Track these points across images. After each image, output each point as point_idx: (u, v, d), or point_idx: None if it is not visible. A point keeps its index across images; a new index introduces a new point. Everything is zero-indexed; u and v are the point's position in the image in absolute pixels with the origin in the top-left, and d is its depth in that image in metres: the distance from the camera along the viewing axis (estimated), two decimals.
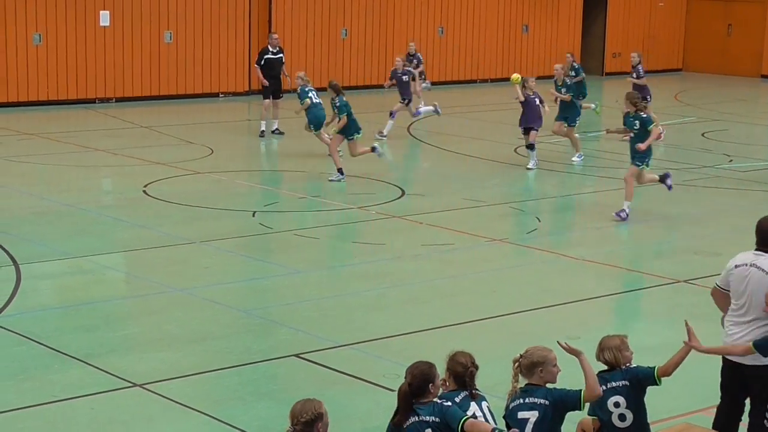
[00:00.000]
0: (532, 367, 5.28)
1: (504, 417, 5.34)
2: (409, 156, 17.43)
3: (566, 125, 15.46)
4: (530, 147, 14.82)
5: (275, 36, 18.39)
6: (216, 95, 21.71)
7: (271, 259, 11.00)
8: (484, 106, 22.13)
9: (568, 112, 15.54)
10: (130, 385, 7.38)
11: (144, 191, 13.29)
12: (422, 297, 9.70)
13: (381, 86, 19.98)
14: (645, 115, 11.94)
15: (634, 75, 17.56)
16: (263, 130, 17.39)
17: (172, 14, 21.35)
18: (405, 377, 5.12)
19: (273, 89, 17.59)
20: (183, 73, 21.35)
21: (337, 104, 13.77)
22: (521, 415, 5.24)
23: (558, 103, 15.77)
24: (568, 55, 18.52)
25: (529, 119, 14.72)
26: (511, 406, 5.31)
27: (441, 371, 5.31)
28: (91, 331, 8.57)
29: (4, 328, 8.41)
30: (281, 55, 17.93)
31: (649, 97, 16.04)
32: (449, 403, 5.10)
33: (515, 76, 14.81)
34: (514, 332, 8.56)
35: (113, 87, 20.80)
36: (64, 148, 16.57)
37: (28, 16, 19.83)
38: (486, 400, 5.31)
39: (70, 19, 20.16)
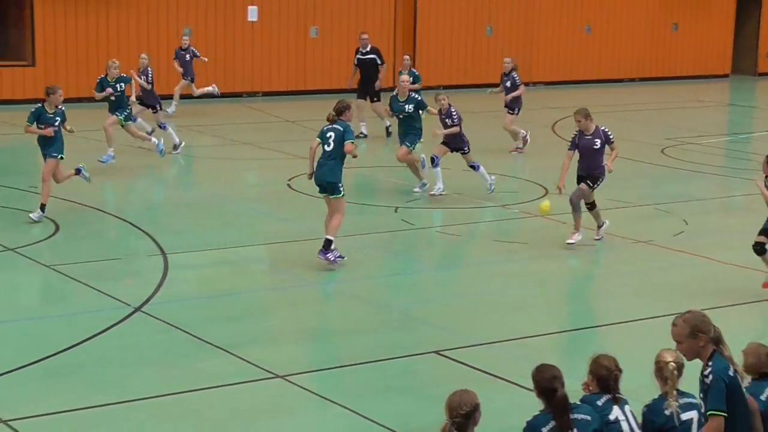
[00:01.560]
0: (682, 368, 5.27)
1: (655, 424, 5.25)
2: (554, 155, 17.11)
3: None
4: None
5: (364, 36, 17.92)
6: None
7: (413, 256, 11.04)
8: (630, 105, 21.55)
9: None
10: (272, 375, 7.50)
11: (288, 185, 13.57)
12: (564, 297, 9.50)
13: (527, 84, 19.17)
14: None
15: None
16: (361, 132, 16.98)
17: (318, 10, 21.89)
18: (547, 381, 5.04)
19: (364, 90, 17.43)
20: (328, 69, 21.86)
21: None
22: (685, 416, 5.23)
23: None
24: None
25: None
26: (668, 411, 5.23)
27: (582, 373, 5.23)
28: (234, 322, 8.78)
29: (151, 316, 8.73)
30: (373, 56, 17.55)
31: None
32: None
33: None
34: (659, 336, 8.26)
35: (260, 81, 21.55)
36: (211, 141, 17.24)
37: (180, 10, 20.76)
38: (628, 404, 5.28)
39: (219, 14, 20.99)
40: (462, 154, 12.97)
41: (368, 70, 17.45)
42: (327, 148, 9.97)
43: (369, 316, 8.99)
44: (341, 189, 9.86)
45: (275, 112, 19.56)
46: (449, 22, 23.34)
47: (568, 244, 10.68)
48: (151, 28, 20.63)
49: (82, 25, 20.38)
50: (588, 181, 10.61)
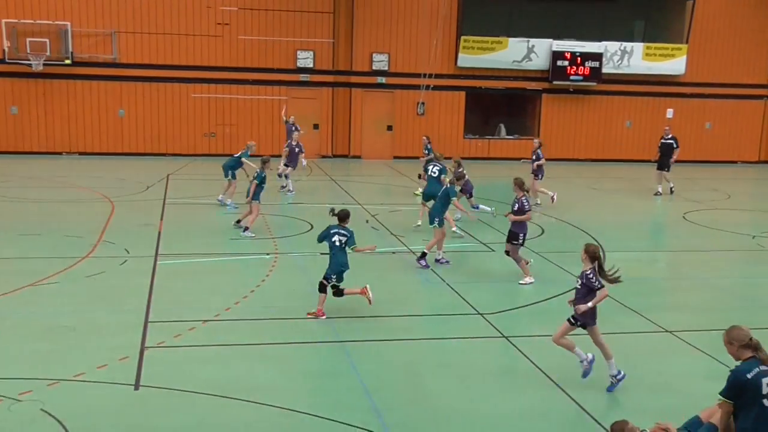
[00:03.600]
0: None
1: None
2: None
3: None
4: None
5: (667, 128, 26.55)
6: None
7: None
8: None
9: None
10: (662, 330, 14.16)
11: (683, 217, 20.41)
12: None
13: None
14: None
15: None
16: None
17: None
18: None
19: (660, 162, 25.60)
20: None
21: None
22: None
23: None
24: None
25: None
26: None
27: None
28: (643, 296, 15.50)
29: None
30: (670, 140, 25.56)
31: None
32: None
33: None
34: None
35: None
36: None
37: None
38: None
39: None
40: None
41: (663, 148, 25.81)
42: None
43: None
44: None
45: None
46: None
47: None
48: None
49: (570, 113, 30.70)
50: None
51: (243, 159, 20.76)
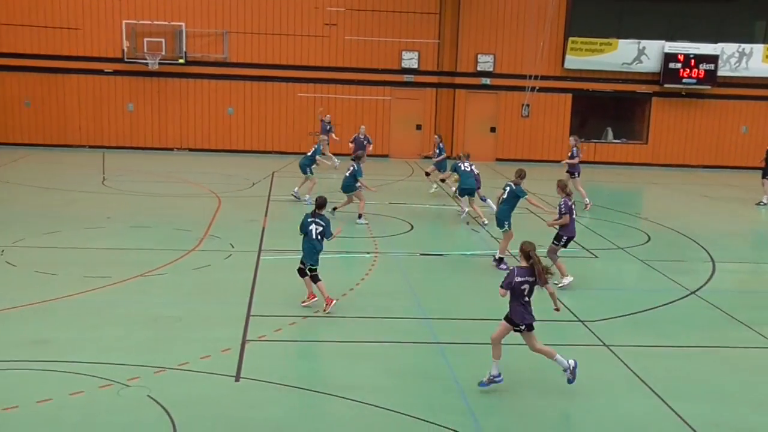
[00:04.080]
0: None
1: None
2: None
3: None
4: None
5: None
6: None
7: None
8: None
9: None
10: None
11: None
12: None
13: None
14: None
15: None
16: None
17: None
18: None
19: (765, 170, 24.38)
20: None
21: None
22: None
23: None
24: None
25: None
26: None
27: None
28: (759, 309, 14.37)
29: (701, 298, 14.61)
30: None
31: None
32: None
33: None
34: None
35: None
36: None
37: None
38: None
39: None
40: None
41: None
42: (504, 197, 15.19)
43: None
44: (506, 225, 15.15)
45: None
46: None
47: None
48: None
49: (682, 118, 30.57)
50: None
51: (316, 156, 21.44)
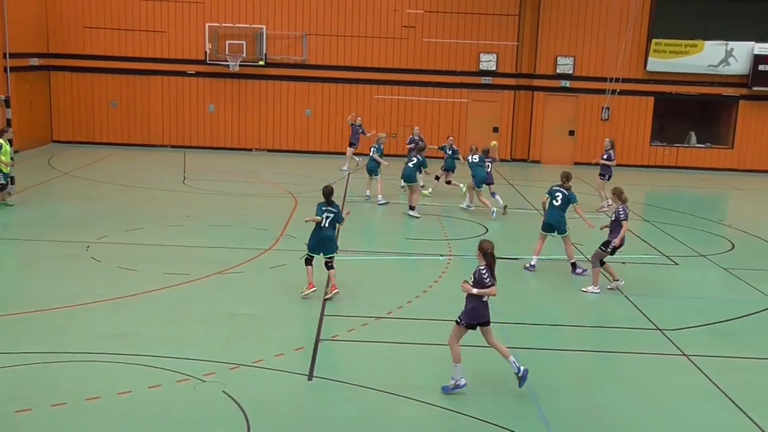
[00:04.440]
0: None
1: None
2: None
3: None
4: None
5: None
6: None
7: None
8: None
9: None
10: None
11: None
12: None
13: None
14: None
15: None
16: None
17: None
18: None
19: None
20: None
21: None
22: None
23: None
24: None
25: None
26: None
27: None
28: None
29: None
30: None
31: None
32: None
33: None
34: None
35: None
36: None
37: None
38: None
39: None
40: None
41: None
42: (555, 203, 15.13)
43: None
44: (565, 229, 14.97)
45: None
46: None
47: None
48: None
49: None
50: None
51: (375, 156, 22.02)
